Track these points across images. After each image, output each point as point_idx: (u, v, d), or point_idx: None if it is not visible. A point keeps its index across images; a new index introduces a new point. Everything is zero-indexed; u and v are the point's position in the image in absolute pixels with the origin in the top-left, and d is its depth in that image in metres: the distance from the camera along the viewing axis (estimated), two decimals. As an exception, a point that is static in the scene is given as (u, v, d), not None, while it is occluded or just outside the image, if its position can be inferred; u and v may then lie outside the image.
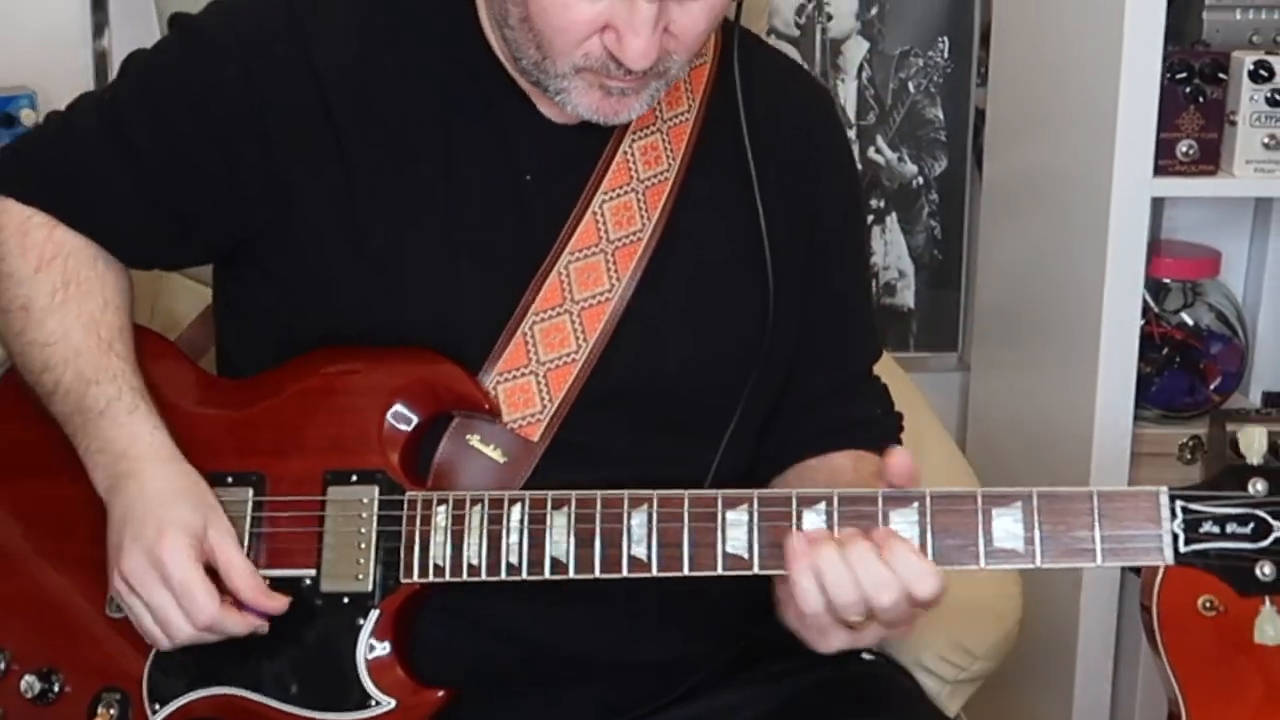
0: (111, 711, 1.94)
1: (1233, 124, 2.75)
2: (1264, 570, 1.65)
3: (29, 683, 1.96)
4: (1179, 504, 1.66)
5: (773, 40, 3.23)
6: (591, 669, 1.95)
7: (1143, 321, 2.87)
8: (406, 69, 1.95)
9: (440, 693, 1.86)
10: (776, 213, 2.01)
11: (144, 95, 1.99)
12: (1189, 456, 2.89)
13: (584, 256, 1.94)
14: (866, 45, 3.31)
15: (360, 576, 1.88)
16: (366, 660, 1.87)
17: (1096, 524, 1.68)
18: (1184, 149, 2.75)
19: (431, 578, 1.85)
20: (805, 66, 2.29)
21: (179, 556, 1.82)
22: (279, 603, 1.85)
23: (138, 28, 2.15)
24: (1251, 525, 1.64)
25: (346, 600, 1.88)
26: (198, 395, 1.99)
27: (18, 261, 1.98)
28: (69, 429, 1.94)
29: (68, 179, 2.01)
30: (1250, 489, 1.64)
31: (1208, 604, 2.38)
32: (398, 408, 1.91)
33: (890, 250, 3.42)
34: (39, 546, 2.02)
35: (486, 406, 1.91)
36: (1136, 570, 2.65)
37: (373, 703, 1.86)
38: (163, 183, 1.97)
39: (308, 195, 1.93)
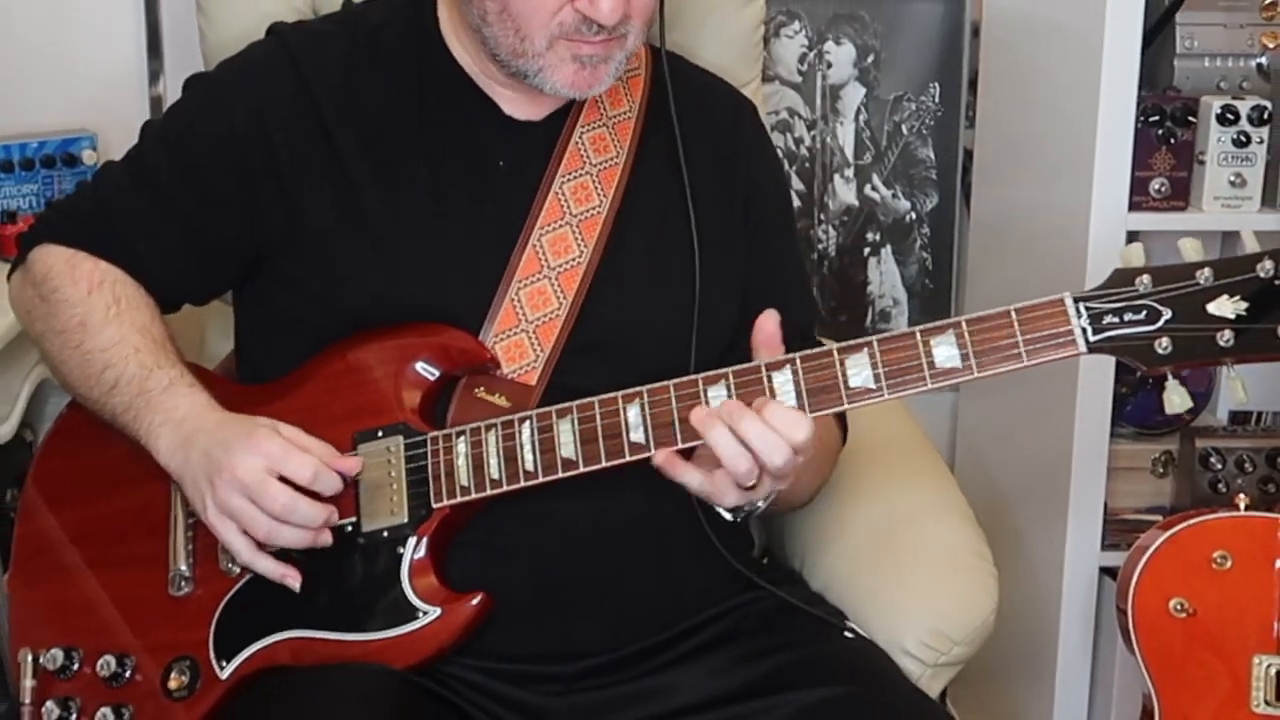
0: (183, 678, 1.99)
1: (1201, 163, 2.75)
2: (1162, 345, 1.78)
3: (105, 662, 2.02)
4: (1082, 305, 1.79)
5: (776, 86, 3.26)
6: (601, 594, 2.03)
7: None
8: (388, 88, 2.10)
9: (478, 597, 1.95)
10: (709, 191, 2.16)
11: (165, 144, 2.13)
12: (1161, 470, 2.90)
13: (553, 229, 2.07)
14: (863, 91, 3.31)
15: (395, 511, 1.96)
16: (411, 578, 1.95)
17: (1018, 333, 1.81)
18: (1156, 186, 2.75)
19: (459, 498, 1.95)
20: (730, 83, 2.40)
21: (272, 439, 1.91)
22: (354, 462, 1.96)
23: (190, 74, 2.19)
24: (1144, 312, 1.78)
25: (386, 534, 1.96)
26: (236, 401, 2.03)
27: (70, 289, 2.07)
28: (129, 415, 2.01)
29: (105, 223, 2.10)
30: (1138, 285, 1.78)
31: (1179, 606, 2.40)
32: (414, 366, 2.02)
33: (885, 280, 3.40)
34: (101, 554, 2.09)
35: (488, 357, 2.01)
36: (1113, 574, 2.67)
37: (420, 614, 1.94)
38: (190, 217, 2.09)
39: (315, 205, 2.06)
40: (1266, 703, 2.36)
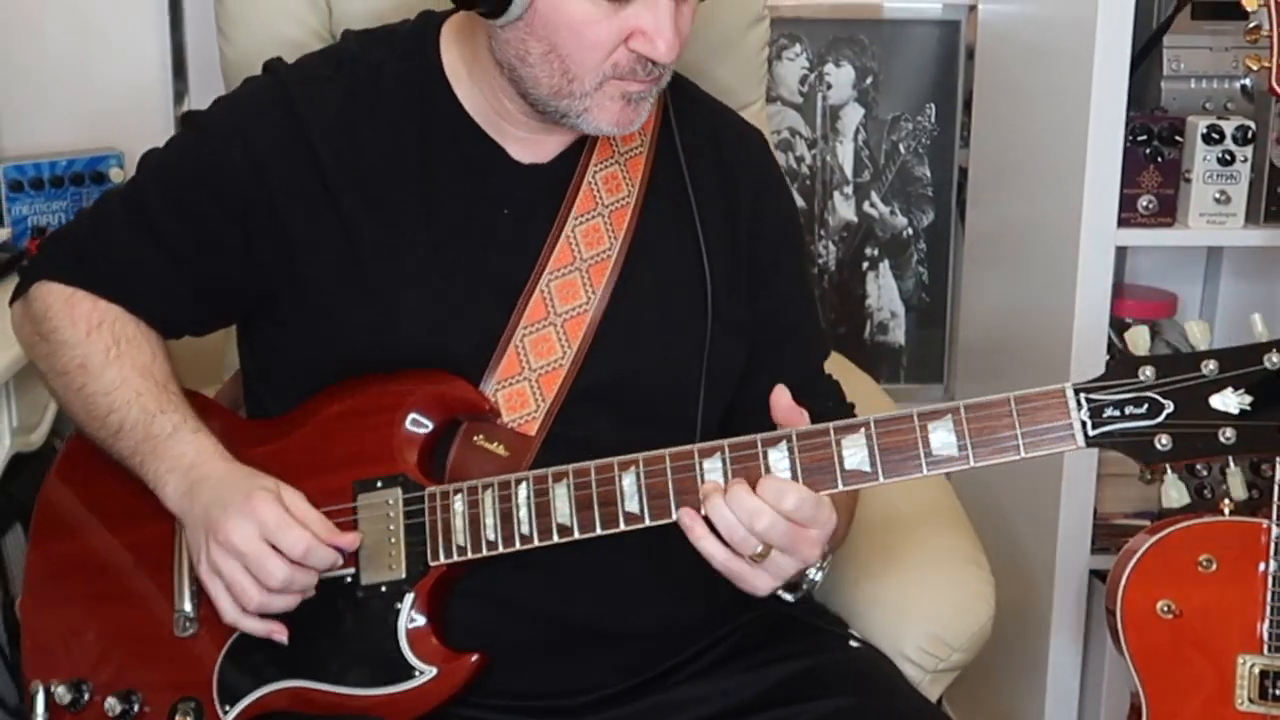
0: (189, 718, 1.97)
1: (1187, 181, 2.75)
2: (1162, 442, 1.71)
3: (111, 705, 1.99)
4: (1083, 396, 1.72)
5: (778, 106, 3.27)
6: (605, 638, 2.00)
7: (1107, 356, 2.83)
8: (387, 131, 2.01)
9: (474, 657, 1.91)
10: (717, 229, 2.08)
11: (162, 183, 2.05)
12: (1148, 477, 2.89)
13: (562, 275, 2.00)
14: (862, 111, 3.33)
15: (394, 566, 1.92)
16: (407, 636, 1.91)
17: (1016, 423, 1.74)
18: (1144, 203, 2.76)
19: (456, 558, 1.90)
20: (739, 113, 2.33)
21: (270, 507, 1.86)
22: (352, 539, 1.90)
23: (213, 95, 2.19)
24: (1146, 406, 1.71)
25: (384, 589, 1.92)
26: (238, 437, 2.01)
27: (69, 331, 2.02)
28: (135, 459, 1.97)
29: (104, 262, 2.04)
30: (1141, 375, 1.71)
31: (1166, 607, 2.39)
32: (411, 417, 1.96)
33: (883, 294, 3.41)
34: (109, 587, 2.06)
35: (487, 408, 1.95)
36: (1102, 576, 2.68)
37: (416, 673, 1.90)
38: (188, 257, 2.02)
39: (313, 250, 1.99)
40: (1250, 700, 2.36)
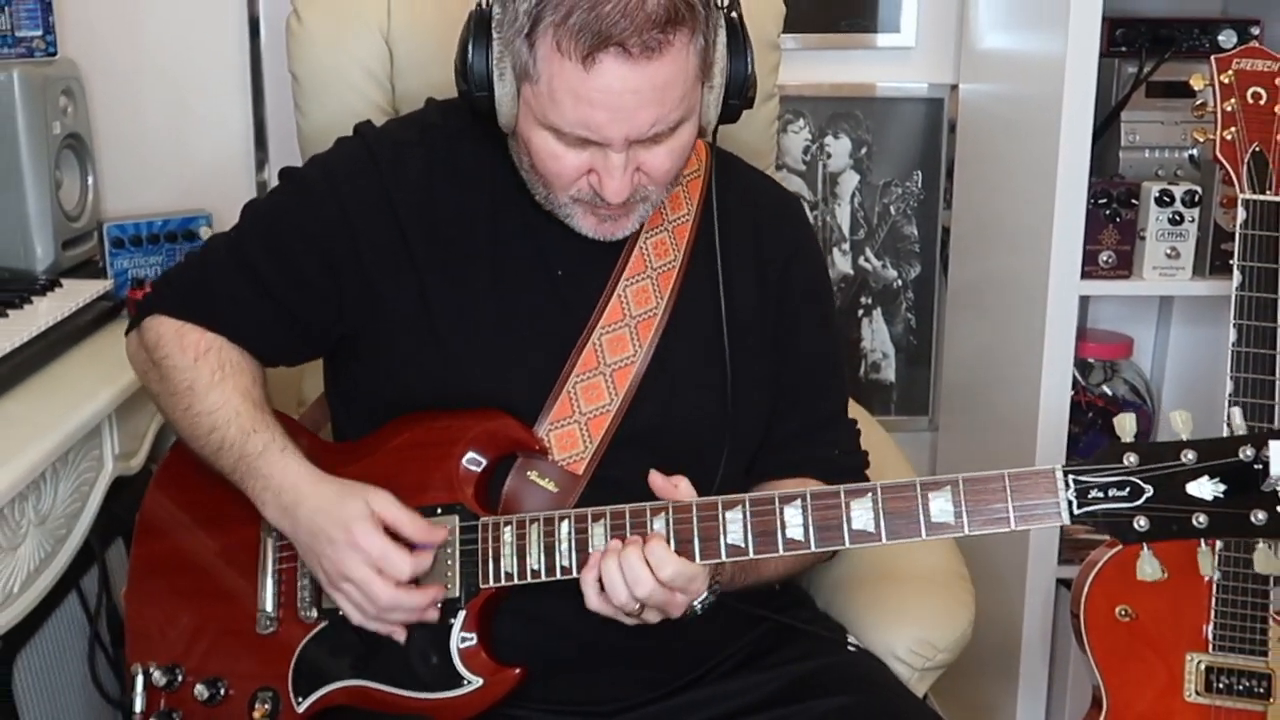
0: (266, 706, 1.99)
1: (1142, 239, 2.77)
2: (1139, 523, 1.68)
3: (200, 690, 2.02)
4: (1070, 477, 1.70)
5: (783, 173, 3.27)
6: (630, 654, 1.99)
7: (1072, 392, 2.87)
8: (461, 200, 2.02)
9: (517, 670, 1.92)
10: (748, 292, 2.06)
11: (262, 232, 2.06)
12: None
13: (612, 330, 1.99)
14: (858, 177, 3.33)
15: (449, 586, 1.93)
16: (459, 649, 1.92)
17: (1009, 498, 1.72)
18: (1104, 258, 2.78)
19: (504, 582, 1.90)
20: (777, 181, 2.33)
21: (370, 537, 1.88)
22: (441, 534, 1.91)
23: (290, 163, 2.21)
24: (1128, 489, 1.68)
25: (440, 605, 1.93)
26: (318, 458, 2.00)
27: (179, 357, 2.03)
28: (236, 477, 1.98)
29: (210, 299, 2.06)
30: (1125, 461, 1.68)
31: (1123, 612, 2.40)
32: (470, 453, 1.96)
33: (876, 337, 3.42)
34: (201, 584, 2.08)
35: (537, 447, 1.95)
36: (1068, 585, 2.69)
37: (465, 682, 1.92)
38: (281, 296, 2.03)
39: (392, 299, 2.00)
40: (1197, 693, 2.36)
